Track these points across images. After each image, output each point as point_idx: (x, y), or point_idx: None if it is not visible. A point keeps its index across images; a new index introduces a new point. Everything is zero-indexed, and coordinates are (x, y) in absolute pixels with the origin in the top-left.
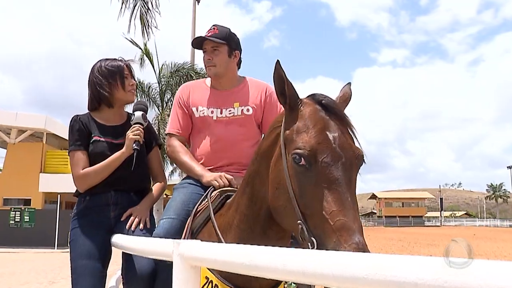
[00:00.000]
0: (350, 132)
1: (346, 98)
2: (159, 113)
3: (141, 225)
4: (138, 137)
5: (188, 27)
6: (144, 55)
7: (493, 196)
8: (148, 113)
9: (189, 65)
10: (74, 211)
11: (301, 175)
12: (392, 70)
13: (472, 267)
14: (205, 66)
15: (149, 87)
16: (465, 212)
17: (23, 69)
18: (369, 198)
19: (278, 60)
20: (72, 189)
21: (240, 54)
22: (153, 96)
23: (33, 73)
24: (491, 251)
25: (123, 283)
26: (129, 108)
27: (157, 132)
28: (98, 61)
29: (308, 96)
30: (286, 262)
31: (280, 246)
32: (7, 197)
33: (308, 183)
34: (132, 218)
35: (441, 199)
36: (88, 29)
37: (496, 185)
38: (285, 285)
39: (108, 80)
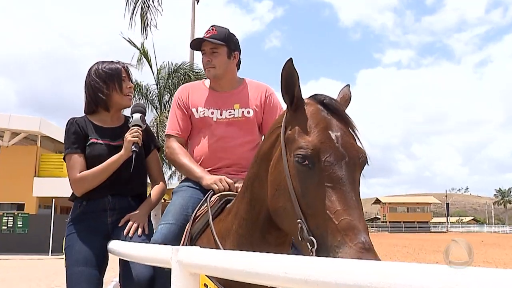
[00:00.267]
0: (352, 133)
1: (346, 100)
2: (157, 115)
3: (139, 231)
4: (137, 139)
5: (187, 27)
6: (142, 56)
7: (501, 201)
8: (146, 116)
9: (188, 65)
10: (70, 217)
11: (304, 175)
12: (397, 72)
13: (479, 276)
14: (204, 67)
15: (147, 88)
16: (472, 217)
17: (17, 70)
18: (373, 203)
19: (291, 58)
20: (67, 193)
21: (240, 55)
22: (151, 98)
23: (27, 74)
24: (500, 258)
25: None
26: (126, 111)
27: (155, 135)
28: (95, 64)
29: (309, 97)
30: (288, 269)
31: (280, 253)
32: (0, 202)
33: (311, 183)
34: (130, 224)
35: (448, 204)
36: (84, 30)
37: (505, 190)
38: None
39: (106, 83)
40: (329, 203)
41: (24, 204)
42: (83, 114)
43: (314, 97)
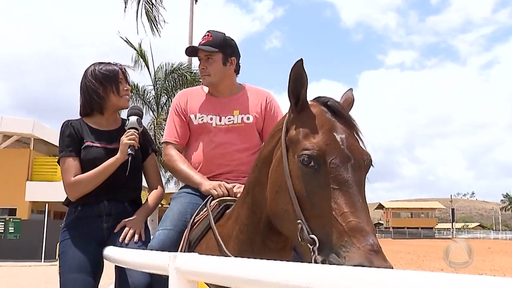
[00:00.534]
0: (356, 135)
1: (349, 103)
2: (154, 117)
3: (136, 237)
4: (133, 141)
5: (186, 27)
6: (139, 57)
7: (509, 207)
8: (143, 118)
9: (186, 66)
10: (64, 222)
11: (309, 176)
12: (400, 73)
13: (486, 285)
14: (200, 74)
15: (144, 90)
16: (478, 223)
17: (10, 70)
18: (375, 208)
19: (301, 59)
20: (61, 198)
21: (238, 59)
22: (148, 100)
23: (20, 74)
24: (508, 266)
25: None
26: (123, 114)
27: (152, 138)
28: (91, 65)
29: (313, 99)
30: (290, 277)
31: (281, 259)
32: None
33: (317, 184)
34: (126, 229)
35: (453, 209)
36: (81, 30)
37: None
38: None
39: (102, 85)
40: (336, 205)
41: (16, 209)
42: (79, 117)
43: (318, 99)
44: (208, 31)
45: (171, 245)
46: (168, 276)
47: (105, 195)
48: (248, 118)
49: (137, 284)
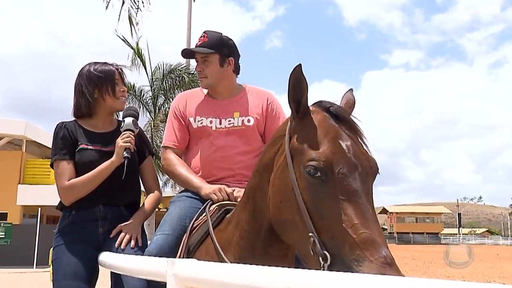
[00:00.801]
0: (360, 141)
1: (350, 105)
2: (151, 119)
3: (132, 243)
4: (129, 144)
5: (184, 26)
6: (136, 56)
7: None
8: (139, 120)
9: (184, 66)
10: (58, 227)
11: (316, 187)
12: (405, 73)
13: None
14: (198, 77)
15: (141, 91)
16: (486, 229)
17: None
18: (379, 213)
19: (300, 64)
20: (54, 201)
21: (237, 60)
22: (145, 101)
23: (12, 74)
24: None
25: None
26: (119, 116)
27: (149, 140)
28: (86, 65)
29: (314, 104)
30: (291, 283)
31: (283, 266)
32: None
33: (325, 195)
34: (122, 235)
35: (459, 214)
36: (74, 29)
37: None
38: None
39: (97, 86)
40: (346, 216)
41: (7, 213)
42: (73, 118)
43: (319, 104)
44: (204, 32)
45: (169, 251)
46: (165, 283)
47: (101, 199)
48: (249, 121)
49: None
